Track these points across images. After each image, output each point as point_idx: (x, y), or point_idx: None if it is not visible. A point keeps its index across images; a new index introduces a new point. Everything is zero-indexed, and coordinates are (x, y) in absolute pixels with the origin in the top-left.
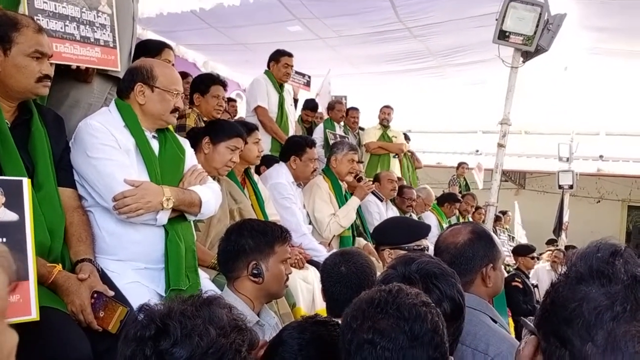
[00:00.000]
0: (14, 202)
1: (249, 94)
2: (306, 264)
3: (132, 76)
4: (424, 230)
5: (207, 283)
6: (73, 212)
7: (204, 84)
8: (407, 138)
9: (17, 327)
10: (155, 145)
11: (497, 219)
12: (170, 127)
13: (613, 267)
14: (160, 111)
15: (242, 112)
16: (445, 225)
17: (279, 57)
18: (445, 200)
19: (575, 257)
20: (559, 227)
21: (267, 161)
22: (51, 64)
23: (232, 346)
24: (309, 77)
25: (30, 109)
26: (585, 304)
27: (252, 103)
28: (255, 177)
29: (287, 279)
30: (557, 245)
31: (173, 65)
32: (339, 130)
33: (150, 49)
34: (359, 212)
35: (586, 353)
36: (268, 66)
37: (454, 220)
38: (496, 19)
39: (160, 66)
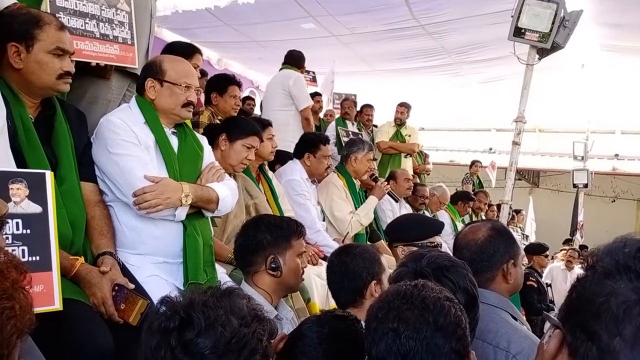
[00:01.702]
0: (38, 195)
1: (301, 91)
2: (320, 261)
3: (144, 72)
4: (438, 226)
5: (224, 277)
6: (94, 206)
7: (221, 83)
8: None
9: (40, 317)
10: (174, 141)
11: (510, 218)
12: (188, 122)
13: None
14: (171, 105)
15: (257, 109)
16: (458, 224)
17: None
18: (459, 198)
19: (601, 252)
20: (575, 228)
21: (281, 158)
22: (71, 60)
23: (254, 335)
24: (314, 72)
25: (54, 104)
26: (613, 299)
27: (304, 101)
28: (270, 173)
29: (303, 272)
30: (572, 245)
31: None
32: (352, 127)
33: (179, 53)
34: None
35: (614, 347)
36: (298, 66)
37: (467, 218)
38: (511, 16)
39: (169, 60)
